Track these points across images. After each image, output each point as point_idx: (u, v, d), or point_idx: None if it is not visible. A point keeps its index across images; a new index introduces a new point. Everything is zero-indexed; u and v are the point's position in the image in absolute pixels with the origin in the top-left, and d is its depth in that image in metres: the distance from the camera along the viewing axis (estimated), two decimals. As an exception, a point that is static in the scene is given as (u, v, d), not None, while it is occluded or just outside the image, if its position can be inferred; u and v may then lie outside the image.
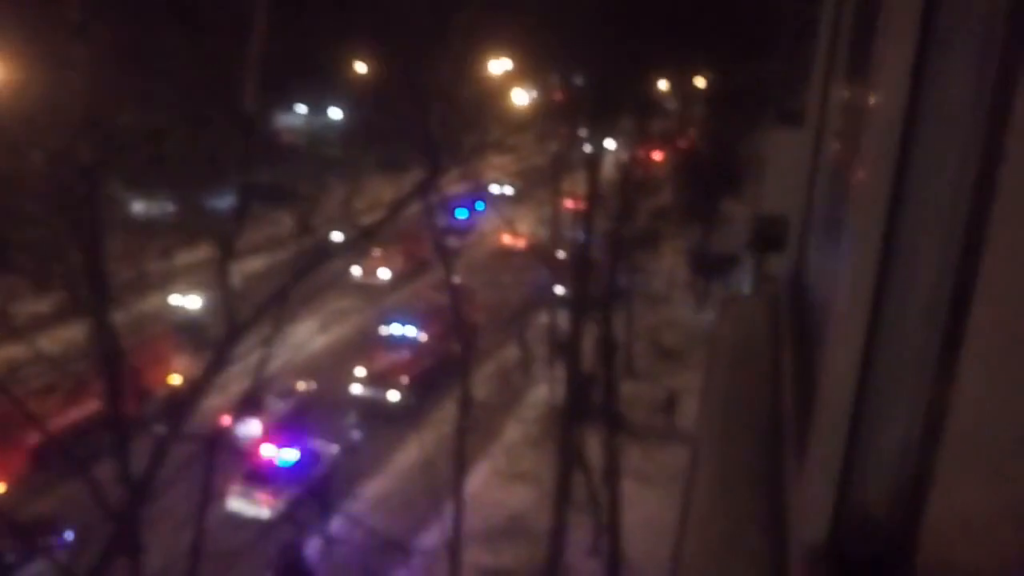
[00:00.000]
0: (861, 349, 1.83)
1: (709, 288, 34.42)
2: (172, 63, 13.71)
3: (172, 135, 13.98)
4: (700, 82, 35.83)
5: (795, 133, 10.85)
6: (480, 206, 38.70)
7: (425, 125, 15.88)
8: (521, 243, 30.25)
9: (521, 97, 35.04)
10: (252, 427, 22.72)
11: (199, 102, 13.23)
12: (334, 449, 22.51)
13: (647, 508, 20.58)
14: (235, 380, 11.76)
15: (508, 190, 43.92)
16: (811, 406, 2.61)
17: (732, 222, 36.36)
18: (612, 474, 17.75)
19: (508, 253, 33.76)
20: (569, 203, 32.02)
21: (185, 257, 26.05)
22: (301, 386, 25.53)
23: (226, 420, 13.34)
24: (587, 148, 27.45)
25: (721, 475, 2.97)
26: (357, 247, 29.08)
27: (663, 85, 35.33)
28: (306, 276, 10.80)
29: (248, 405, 20.63)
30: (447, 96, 19.79)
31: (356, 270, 35.22)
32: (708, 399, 3.95)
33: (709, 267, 34.66)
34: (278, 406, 23.94)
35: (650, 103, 26.01)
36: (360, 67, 37.86)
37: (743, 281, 33.46)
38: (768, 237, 11.05)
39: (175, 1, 13.71)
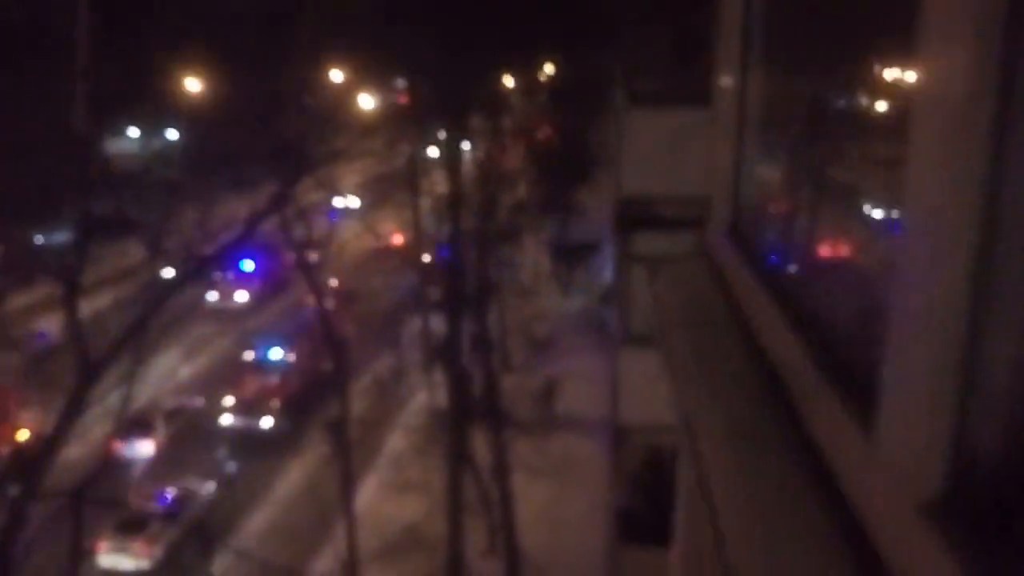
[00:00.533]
0: (970, 269, 1.57)
1: (572, 277, 35.15)
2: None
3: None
4: (543, 76, 36.47)
5: (656, 113, 11.20)
6: (335, 217, 37.67)
7: (277, 135, 15.34)
8: (397, 241, 29.65)
9: (367, 102, 34.54)
10: (144, 448, 21.50)
11: (25, 128, 12.15)
12: (210, 486, 21.38)
13: (539, 500, 20.78)
14: (98, 423, 10.93)
15: (353, 202, 43.04)
16: (841, 351, 2.47)
17: (587, 210, 37.31)
18: (501, 471, 17.75)
19: (381, 254, 33.04)
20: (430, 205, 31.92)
21: (20, 300, 23.98)
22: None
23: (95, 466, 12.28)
24: (435, 150, 27.52)
25: (735, 448, 2.69)
26: (214, 269, 27.77)
27: (509, 81, 35.70)
28: (162, 304, 10.16)
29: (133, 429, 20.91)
30: (293, 106, 19.23)
31: (212, 295, 33.64)
32: (676, 365, 3.60)
33: (570, 256, 35.39)
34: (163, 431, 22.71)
35: (498, 100, 26.16)
36: (193, 84, 36.20)
37: (604, 266, 34.40)
38: (633, 217, 11.37)
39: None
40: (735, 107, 4.37)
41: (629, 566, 12.87)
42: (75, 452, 11.95)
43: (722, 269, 4.42)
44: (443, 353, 19.98)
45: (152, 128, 43.31)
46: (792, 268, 3.54)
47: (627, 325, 11.83)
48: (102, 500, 16.69)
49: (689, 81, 11.92)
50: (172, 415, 23.64)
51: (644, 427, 12.01)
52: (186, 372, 28.08)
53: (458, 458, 16.52)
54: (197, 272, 11.41)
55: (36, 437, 20.89)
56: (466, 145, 24.25)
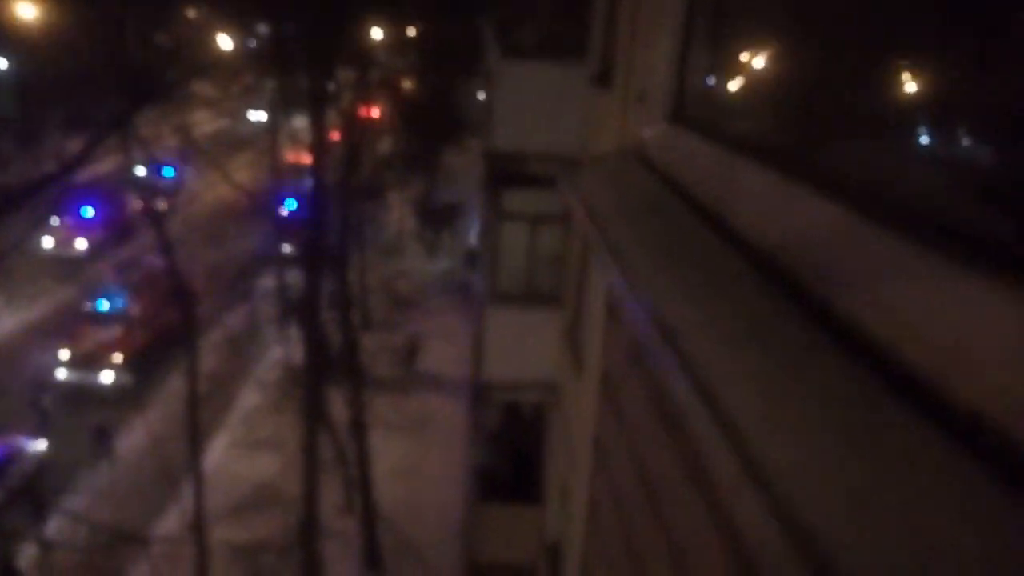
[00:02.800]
0: None
1: (438, 238, 34.93)
2: None
3: None
4: (412, 31, 35.73)
5: (529, 67, 11.07)
6: (169, 172, 35.37)
7: (122, 66, 14.17)
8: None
9: (225, 42, 32.69)
10: None
11: None
12: (41, 443, 19.90)
13: (396, 457, 20.68)
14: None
15: (261, 116, 40.22)
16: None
17: (455, 172, 37.11)
18: (358, 428, 17.47)
19: (235, 205, 31.29)
20: (292, 156, 30.68)
21: None
22: None
23: None
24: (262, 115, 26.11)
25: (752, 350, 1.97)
26: (41, 206, 25.62)
27: (377, 35, 34.77)
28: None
29: None
30: (139, 37, 17.87)
31: (48, 241, 31.16)
32: (634, 263, 2.75)
33: (436, 217, 35.13)
34: None
35: (365, 52, 25.35)
36: (26, 10, 32.95)
37: (470, 228, 34.39)
38: (504, 174, 11.29)
39: None
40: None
41: (487, 522, 13.01)
42: None
43: (667, 160, 3.84)
44: (300, 309, 19.34)
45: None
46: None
47: (494, 283, 11.79)
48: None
49: (565, 36, 11.90)
50: None
51: (505, 384, 12.08)
52: (10, 324, 25.93)
53: (314, 415, 16.08)
54: (17, 203, 10.31)
55: None
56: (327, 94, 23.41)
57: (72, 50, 20.39)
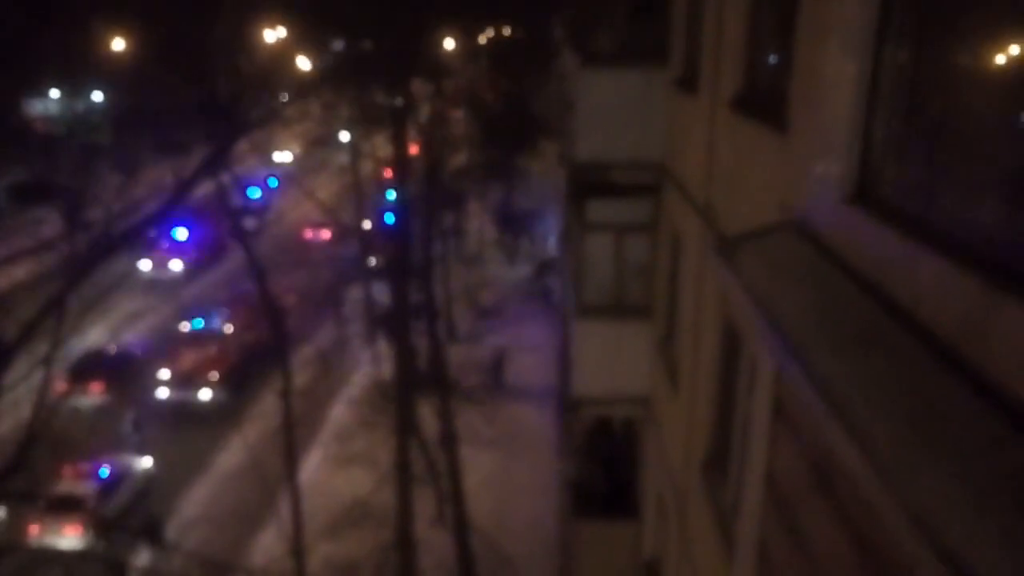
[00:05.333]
0: None
1: (517, 244, 34.86)
2: None
3: None
4: (484, 39, 35.78)
5: (609, 74, 10.80)
6: (273, 182, 36.61)
7: (210, 97, 14.51)
8: (325, 235, 28.79)
9: (305, 64, 33.38)
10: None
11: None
12: (147, 461, 20.64)
13: (484, 469, 20.58)
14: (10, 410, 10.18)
15: (287, 156, 41.84)
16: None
17: (531, 177, 36.97)
18: (449, 441, 17.44)
19: (319, 224, 32.04)
20: (373, 171, 31.09)
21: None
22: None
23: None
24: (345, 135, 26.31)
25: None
26: (141, 239, 26.66)
27: (449, 44, 34.97)
28: (84, 278, 9.45)
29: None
30: (226, 67, 18.32)
31: (145, 264, 32.41)
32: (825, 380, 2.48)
33: (515, 223, 35.08)
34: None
35: (439, 63, 25.46)
36: (119, 43, 34.41)
37: (548, 234, 34.19)
38: (588, 184, 11.03)
39: None
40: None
41: (583, 538, 12.76)
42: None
43: (844, 245, 3.30)
44: (388, 323, 19.49)
45: (75, 89, 41.39)
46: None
47: (580, 296, 11.53)
48: (19, 493, 15.93)
49: (644, 40, 11.57)
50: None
51: (596, 399, 11.81)
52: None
53: (405, 429, 16.14)
54: (120, 244, 10.64)
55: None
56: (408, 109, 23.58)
57: (160, 81, 21.08)
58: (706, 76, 8.20)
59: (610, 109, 10.59)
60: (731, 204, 7.10)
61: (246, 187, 32.78)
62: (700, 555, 7.90)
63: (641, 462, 12.54)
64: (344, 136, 42.10)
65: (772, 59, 6.44)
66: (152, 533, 16.29)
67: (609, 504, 12.92)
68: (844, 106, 3.45)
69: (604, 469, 13.55)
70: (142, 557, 17.72)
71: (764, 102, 6.12)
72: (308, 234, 30.69)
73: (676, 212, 9.91)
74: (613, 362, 11.47)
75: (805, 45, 4.87)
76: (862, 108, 3.31)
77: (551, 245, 32.72)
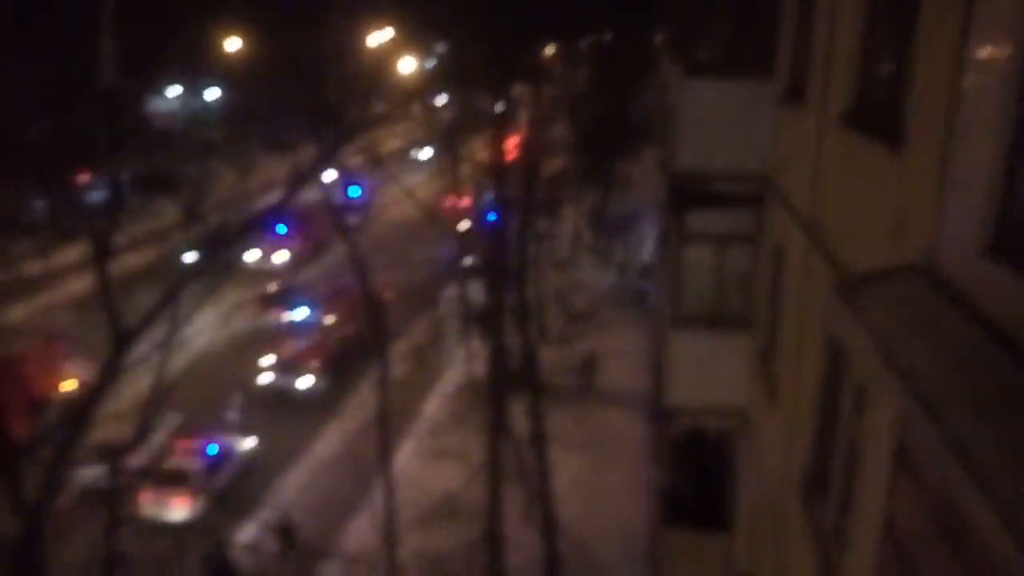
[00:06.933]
0: None
1: (612, 250, 34.79)
2: (22, 48, 12.48)
3: (33, 124, 12.75)
4: (585, 45, 35.86)
5: (713, 85, 10.78)
6: (356, 191, 37.34)
7: (321, 97, 15.13)
8: (465, 202, 28.96)
9: (409, 65, 34.21)
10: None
11: (59, 87, 12.03)
12: (250, 442, 21.65)
13: (572, 471, 20.69)
14: (131, 384, 10.88)
15: (421, 154, 42.87)
16: None
17: (629, 183, 36.83)
18: (539, 440, 17.64)
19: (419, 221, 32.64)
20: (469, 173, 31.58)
21: (61, 258, 24.37)
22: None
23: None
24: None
25: None
26: (253, 232, 27.85)
27: (550, 50, 35.20)
28: (197, 275, 10.05)
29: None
30: (334, 68, 18.99)
31: (251, 256, 33.84)
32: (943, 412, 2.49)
33: (610, 229, 35.03)
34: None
35: (540, 68, 25.70)
36: (234, 43, 35.92)
37: (644, 239, 33.99)
38: (688, 193, 11.03)
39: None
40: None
41: (673, 547, 12.74)
42: (112, 408, 11.96)
43: (980, 296, 3.11)
44: (483, 322, 19.82)
45: (192, 88, 43.50)
46: None
47: (677, 305, 11.53)
48: (137, 469, 16.97)
49: (747, 51, 11.48)
50: None
51: (690, 409, 11.79)
52: (222, 335, 28.29)
53: (497, 427, 16.42)
54: (236, 237, 11.29)
55: (81, 388, 21.26)
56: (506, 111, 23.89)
57: (271, 82, 22.04)
58: (814, 88, 8.12)
59: (712, 119, 10.58)
60: (839, 223, 7.01)
61: (348, 185, 33.79)
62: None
63: (734, 475, 12.44)
64: (425, 152, 42.74)
65: (887, 72, 6.33)
66: (286, 536, 17.08)
67: (701, 515, 12.86)
68: (983, 140, 3.23)
69: (696, 479, 13.49)
70: (245, 532, 18.55)
71: (878, 118, 6.01)
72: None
73: (779, 225, 9.81)
74: (708, 373, 11.43)
75: (925, 61, 4.78)
76: (1006, 145, 3.07)
77: (647, 251, 32.52)
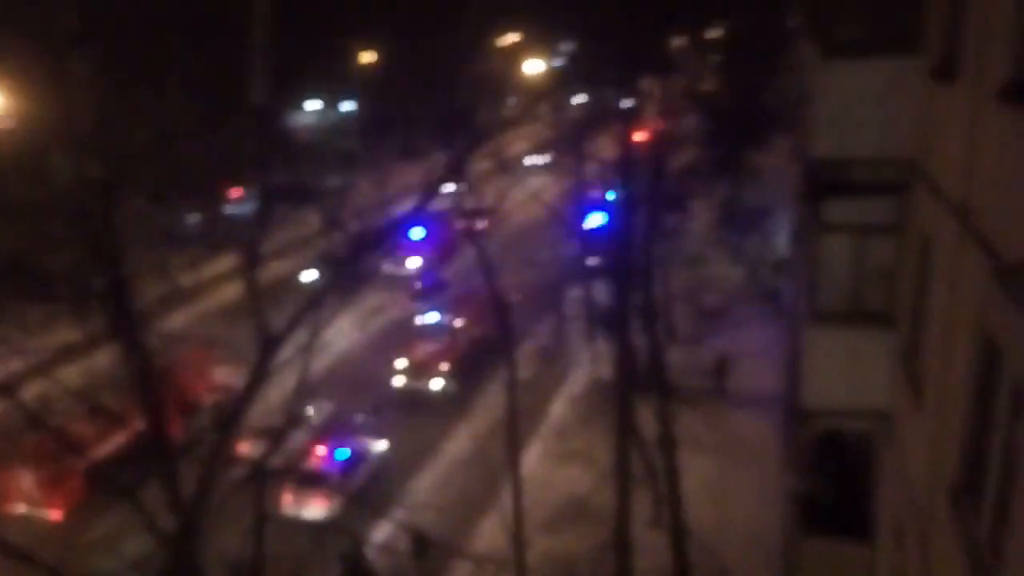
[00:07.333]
0: None
1: (743, 244, 33.60)
2: (177, 66, 13.31)
3: (186, 140, 13.59)
4: (713, 33, 34.85)
5: (853, 65, 10.12)
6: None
7: (451, 103, 15.37)
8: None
9: (535, 66, 34.36)
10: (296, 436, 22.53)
11: (211, 103, 12.77)
12: (383, 444, 22.28)
13: (702, 474, 20.07)
14: (277, 386, 11.37)
15: (540, 160, 43.14)
16: None
17: (761, 174, 35.44)
18: (668, 443, 17.21)
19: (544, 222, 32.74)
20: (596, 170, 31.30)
21: (210, 269, 25.94)
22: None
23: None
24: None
25: None
26: (390, 238, 28.70)
27: (677, 41, 34.45)
28: (339, 282, 10.38)
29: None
30: (464, 74, 19.27)
31: (387, 262, 34.89)
32: None
33: (741, 222, 33.81)
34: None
35: (669, 61, 25.14)
36: (369, 56, 37.31)
37: (778, 233, 32.64)
38: (825, 181, 10.41)
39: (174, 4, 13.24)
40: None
41: (809, 556, 12.09)
42: (260, 407, 12.53)
43: None
44: (609, 323, 19.57)
45: (330, 101, 45.48)
46: None
47: (814, 301, 10.91)
48: (281, 469, 17.77)
49: (891, 25, 10.71)
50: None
51: (827, 411, 11.12)
52: (359, 339, 29.28)
53: (624, 430, 16.15)
54: (375, 244, 11.64)
55: (228, 392, 22.52)
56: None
57: (403, 91, 22.65)
58: (968, 62, 7.45)
59: (852, 101, 9.92)
60: (997, 208, 6.38)
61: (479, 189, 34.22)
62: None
63: (876, 480, 11.67)
64: (538, 158, 42.47)
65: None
66: (419, 544, 17.51)
67: (839, 523, 12.13)
68: None
69: (834, 485, 12.74)
70: (379, 532, 19.08)
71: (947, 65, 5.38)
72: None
73: (926, 212, 9.10)
74: (848, 372, 10.75)
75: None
76: None
77: (782, 245, 31.24)
